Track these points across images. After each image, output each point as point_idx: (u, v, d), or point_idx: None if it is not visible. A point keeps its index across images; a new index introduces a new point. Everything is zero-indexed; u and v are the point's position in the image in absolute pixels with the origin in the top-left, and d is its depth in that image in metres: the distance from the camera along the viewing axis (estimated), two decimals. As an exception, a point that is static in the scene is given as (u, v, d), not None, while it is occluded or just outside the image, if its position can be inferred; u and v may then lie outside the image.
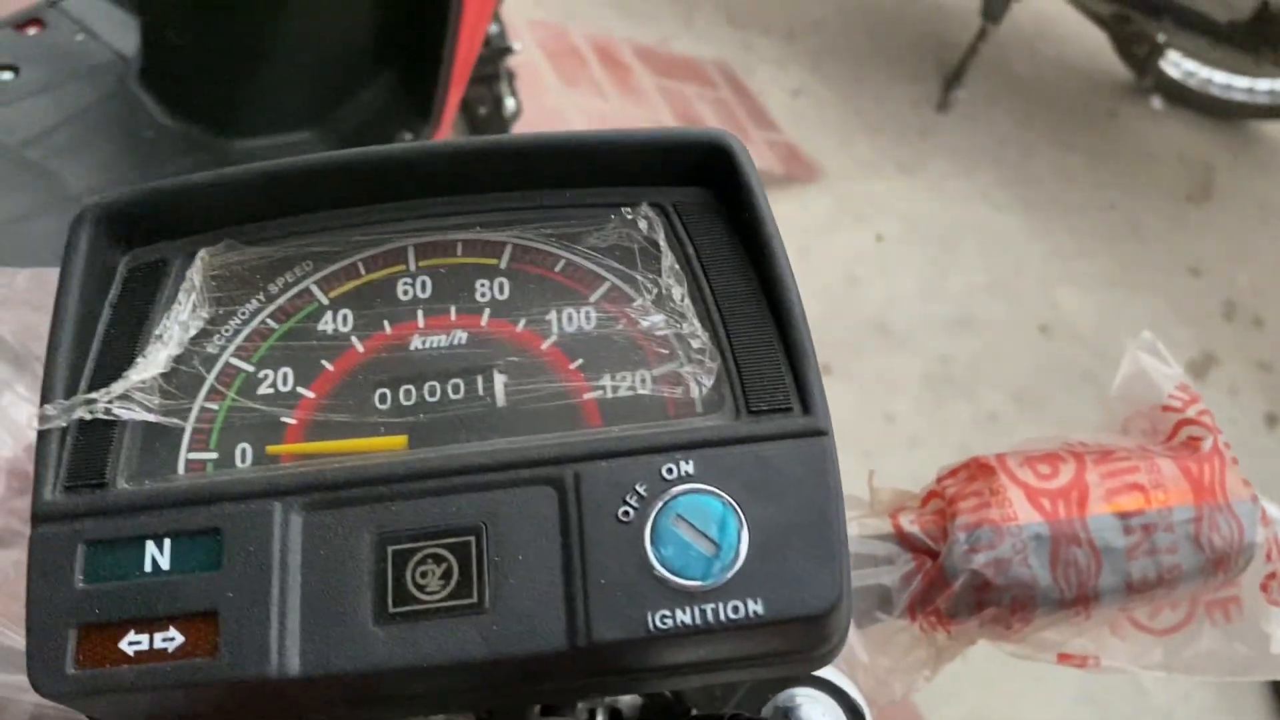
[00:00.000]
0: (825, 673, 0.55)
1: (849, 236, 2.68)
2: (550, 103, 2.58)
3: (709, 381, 0.42)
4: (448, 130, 1.50)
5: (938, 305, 2.57)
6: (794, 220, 2.65)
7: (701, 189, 0.46)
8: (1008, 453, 0.59)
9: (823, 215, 2.71)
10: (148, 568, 0.38)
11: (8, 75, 1.31)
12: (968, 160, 2.94)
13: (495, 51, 1.90)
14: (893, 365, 2.44)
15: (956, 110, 3.05)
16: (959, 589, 0.55)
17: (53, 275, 0.59)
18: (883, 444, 2.26)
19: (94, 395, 0.41)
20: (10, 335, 0.57)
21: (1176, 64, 3.09)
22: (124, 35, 1.38)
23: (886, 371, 2.42)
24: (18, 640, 0.49)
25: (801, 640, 0.39)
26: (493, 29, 1.88)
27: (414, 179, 0.45)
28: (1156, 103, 3.16)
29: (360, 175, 0.45)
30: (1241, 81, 3.04)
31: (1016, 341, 2.54)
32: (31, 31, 1.38)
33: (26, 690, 0.41)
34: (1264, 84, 3.03)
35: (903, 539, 0.57)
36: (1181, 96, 3.14)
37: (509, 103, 1.95)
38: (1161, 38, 2.89)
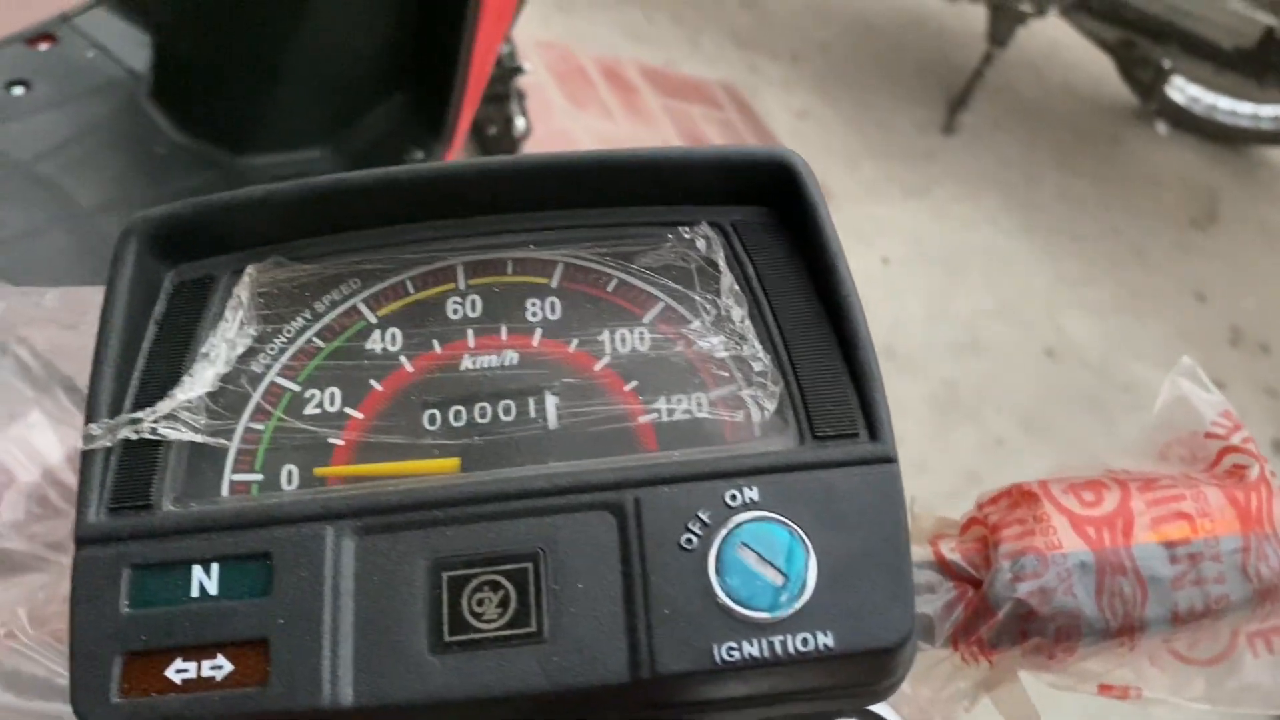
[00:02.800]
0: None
1: (855, 259, 2.61)
2: (557, 123, 2.58)
3: (771, 405, 0.41)
4: (459, 150, 1.49)
5: (944, 328, 2.56)
6: (800, 242, 2.64)
7: (761, 208, 0.45)
8: (1050, 479, 0.58)
9: (829, 237, 2.70)
10: (195, 593, 0.37)
11: (19, 90, 1.30)
12: (973, 184, 2.94)
13: (506, 71, 1.90)
14: (899, 389, 2.43)
15: (962, 134, 3.06)
16: (1003, 618, 0.54)
17: (81, 294, 0.58)
18: (890, 467, 2.25)
19: (139, 415, 0.40)
20: (32, 355, 0.56)
21: (1181, 89, 3.11)
22: (136, 52, 1.37)
23: (893, 395, 2.37)
24: (54, 667, 0.47)
25: (869, 673, 0.38)
26: (503, 49, 1.88)
27: (467, 196, 0.44)
28: (1161, 128, 3.17)
29: (412, 192, 0.44)
30: (1246, 107, 3.06)
31: (1023, 366, 2.54)
32: (44, 47, 1.38)
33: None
34: (1269, 109, 3.04)
35: (944, 567, 0.56)
36: (1186, 122, 3.15)
37: (519, 122, 1.95)
38: (1167, 63, 2.90)
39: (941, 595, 0.56)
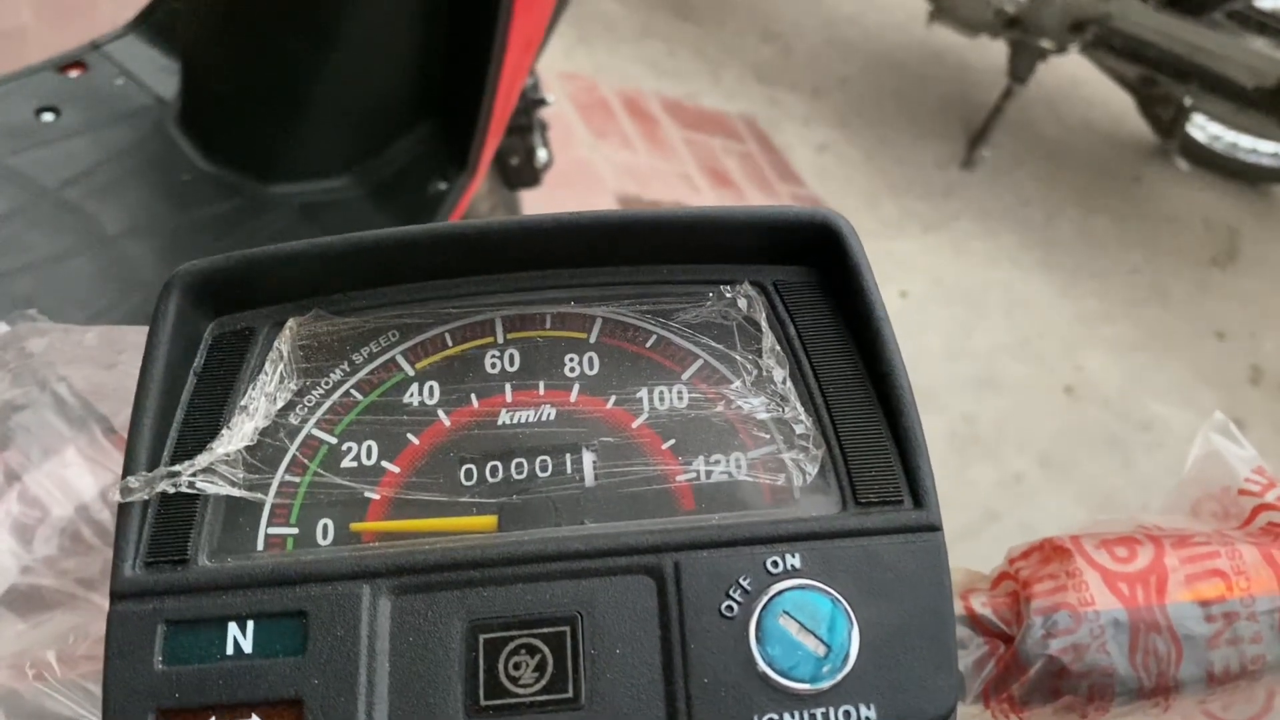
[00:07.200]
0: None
1: (873, 293, 2.66)
2: (579, 154, 2.59)
3: (813, 469, 0.40)
4: (482, 180, 1.50)
5: (963, 364, 2.56)
6: (819, 276, 2.64)
7: (803, 268, 0.45)
8: (1082, 534, 0.57)
9: (847, 271, 2.69)
10: (229, 650, 0.37)
11: (49, 116, 1.32)
12: (992, 220, 2.94)
13: (529, 103, 1.90)
14: (917, 424, 2.41)
15: (981, 170, 3.06)
16: (1035, 675, 0.53)
17: (121, 333, 0.58)
18: (907, 504, 2.24)
19: (178, 468, 0.40)
20: (70, 393, 0.56)
21: (1202, 127, 3.10)
22: (164, 80, 1.39)
23: (911, 430, 2.39)
24: (79, 709, 0.47)
25: (910, 746, 0.37)
26: (527, 81, 1.89)
27: (509, 252, 0.44)
28: (1182, 166, 3.17)
29: (455, 248, 0.44)
30: (1268, 146, 3.05)
31: (1041, 403, 2.53)
32: (73, 74, 1.39)
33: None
34: (1290, 149, 3.03)
35: (975, 622, 0.56)
36: (1207, 160, 3.15)
37: (541, 154, 1.96)
38: (1188, 101, 2.90)
39: (972, 651, 0.55)
